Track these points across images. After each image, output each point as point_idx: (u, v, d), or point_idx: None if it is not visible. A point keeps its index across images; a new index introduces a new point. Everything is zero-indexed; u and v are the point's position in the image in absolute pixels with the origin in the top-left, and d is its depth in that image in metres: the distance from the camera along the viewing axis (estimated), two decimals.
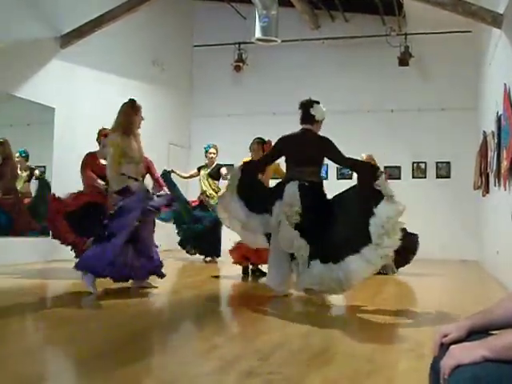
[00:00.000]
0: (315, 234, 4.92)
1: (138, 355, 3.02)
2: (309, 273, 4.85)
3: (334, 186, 5.38)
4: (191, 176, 9.23)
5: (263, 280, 6.01)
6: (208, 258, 8.88)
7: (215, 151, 8.99)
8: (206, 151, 9.00)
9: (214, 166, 8.88)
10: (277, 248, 5.12)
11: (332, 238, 4.86)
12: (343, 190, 5.14)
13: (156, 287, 5.49)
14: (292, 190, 5.03)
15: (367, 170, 5.00)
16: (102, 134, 6.59)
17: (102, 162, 6.38)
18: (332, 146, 5.19)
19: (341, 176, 11.24)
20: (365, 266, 4.64)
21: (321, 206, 5.09)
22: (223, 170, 8.65)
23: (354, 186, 5.06)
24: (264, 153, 6.71)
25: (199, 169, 9.06)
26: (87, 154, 6.73)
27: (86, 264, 5.05)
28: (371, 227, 4.57)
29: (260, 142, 7.32)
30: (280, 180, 5.53)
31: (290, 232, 4.91)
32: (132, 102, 5.52)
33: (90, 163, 6.61)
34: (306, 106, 5.35)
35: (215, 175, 8.80)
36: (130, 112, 5.44)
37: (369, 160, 7.26)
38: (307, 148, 5.21)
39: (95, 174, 6.51)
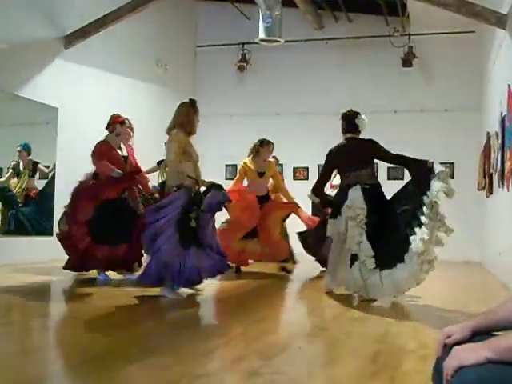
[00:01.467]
0: (377, 238, 5.16)
1: (140, 355, 3.02)
2: (373, 280, 5.04)
3: (384, 186, 5.54)
4: (149, 171, 8.15)
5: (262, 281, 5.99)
6: None
7: None
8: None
9: None
10: (338, 252, 5.47)
11: (388, 243, 5.13)
12: (398, 189, 5.43)
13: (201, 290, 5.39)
14: (356, 193, 5.30)
15: (417, 163, 5.42)
16: (118, 122, 6.25)
17: (118, 151, 6.25)
18: (379, 146, 5.57)
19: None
20: (408, 277, 4.97)
21: (383, 208, 5.35)
22: None
23: (409, 183, 5.37)
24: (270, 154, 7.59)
25: (159, 163, 8.53)
26: (100, 143, 6.25)
27: (151, 277, 5.01)
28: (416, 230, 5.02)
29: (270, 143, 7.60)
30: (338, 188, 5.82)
31: (358, 231, 5.17)
32: (193, 102, 5.53)
33: (106, 152, 6.15)
34: (351, 117, 5.67)
35: None
36: (191, 112, 5.45)
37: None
38: (358, 152, 5.54)
39: (111, 164, 6.13)
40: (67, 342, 3.43)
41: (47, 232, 8.08)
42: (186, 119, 5.39)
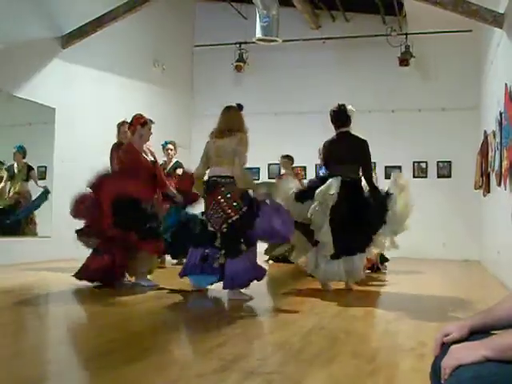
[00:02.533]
0: (343, 228, 5.50)
1: (139, 355, 3.02)
2: (331, 264, 5.60)
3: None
4: None
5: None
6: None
7: (173, 148, 8.37)
8: (164, 147, 8.33)
9: (172, 164, 8.27)
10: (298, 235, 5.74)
11: (353, 234, 5.53)
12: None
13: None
14: (334, 182, 5.56)
15: (379, 196, 5.69)
16: (139, 123, 5.84)
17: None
18: (368, 152, 5.80)
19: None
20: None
21: (357, 202, 5.63)
22: (179, 171, 7.96)
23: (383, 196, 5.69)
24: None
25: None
26: (119, 145, 6.11)
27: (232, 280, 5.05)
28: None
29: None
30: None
31: (322, 217, 5.48)
32: (240, 106, 5.51)
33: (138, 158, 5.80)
34: (342, 111, 5.87)
35: (172, 174, 8.01)
36: (241, 116, 5.44)
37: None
38: (350, 148, 5.78)
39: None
40: (65, 343, 3.43)
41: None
42: (243, 123, 5.41)
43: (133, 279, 5.88)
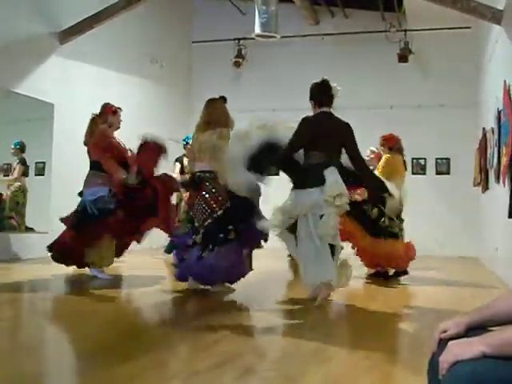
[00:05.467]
0: None
1: (137, 351, 3.02)
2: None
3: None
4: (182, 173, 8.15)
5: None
6: None
7: None
8: (186, 144, 8.04)
9: None
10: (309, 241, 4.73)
11: None
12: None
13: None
14: (334, 177, 4.64)
15: (376, 179, 5.22)
16: (110, 111, 6.05)
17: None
18: (353, 134, 4.89)
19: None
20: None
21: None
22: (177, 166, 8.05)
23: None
24: None
25: (181, 161, 8.38)
26: (100, 131, 5.99)
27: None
28: None
29: None
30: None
31: (336, 220, 4.66)
32: (225, 99, 5.53)
33: (110, 142, 5.93)
34: (327, 87, 4.94)
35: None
36: (226, 109, 5.43)
37: (377, 157, 7.22)
38: (335, 131, 4.84)
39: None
40: (63, 340, 3.43)
41: None
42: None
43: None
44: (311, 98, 4.99)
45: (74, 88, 8.99)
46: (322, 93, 4.94)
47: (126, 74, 10.37)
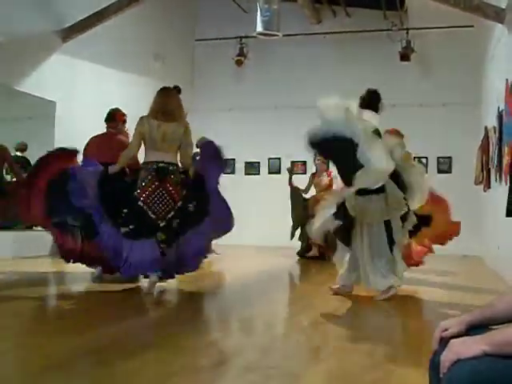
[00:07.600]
0: None
1: (138, 349, 3.02)
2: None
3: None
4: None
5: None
6: None
7: None
8: None
9: None
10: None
11: None
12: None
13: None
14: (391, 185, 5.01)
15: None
16: (122, 120, 6.21)
17: None
18: None
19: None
20: None
21: None
22: None
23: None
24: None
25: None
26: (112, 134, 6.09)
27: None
28: None
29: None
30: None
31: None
32: (179, 89, 5.42)
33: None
34: (379, 97, 5.37)
35: None
36: (180, 100, 5.38)
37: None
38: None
39: None
40: (64, 337, 3.43)
41: None
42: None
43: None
44: (370, 106, 5.29)
45: (77, 86, 9.00)
46: (371, 99, 5.35)
47: (129, 72, 10.37)
